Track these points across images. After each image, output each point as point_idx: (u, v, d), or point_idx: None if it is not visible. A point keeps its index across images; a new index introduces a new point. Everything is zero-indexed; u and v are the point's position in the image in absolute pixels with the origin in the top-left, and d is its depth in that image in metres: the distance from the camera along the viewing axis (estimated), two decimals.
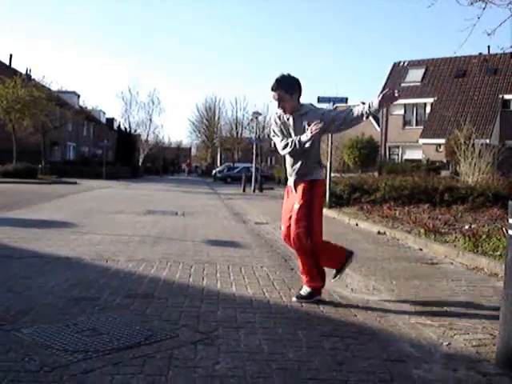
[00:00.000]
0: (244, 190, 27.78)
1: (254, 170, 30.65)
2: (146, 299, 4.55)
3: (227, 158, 76.98)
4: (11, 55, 48.14)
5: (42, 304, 4.27)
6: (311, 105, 4.94)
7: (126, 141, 60.64)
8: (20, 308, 4.12)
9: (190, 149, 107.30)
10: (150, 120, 68.69)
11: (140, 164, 64.67)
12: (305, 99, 4.92)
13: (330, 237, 9.25)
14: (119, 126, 66.94)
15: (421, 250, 8.10)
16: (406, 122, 40.77)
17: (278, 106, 4.73)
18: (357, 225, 11.47)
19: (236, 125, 72.40)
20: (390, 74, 42.19)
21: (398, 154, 41.44)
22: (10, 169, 31.65)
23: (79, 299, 4.46)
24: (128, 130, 64.84)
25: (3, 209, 12.93)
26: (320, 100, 15.56)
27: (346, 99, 16.21)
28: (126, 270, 5.86)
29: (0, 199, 16.22)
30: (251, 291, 5.02)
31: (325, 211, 14.64)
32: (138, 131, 67.44)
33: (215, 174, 53.80)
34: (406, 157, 40.01)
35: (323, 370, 3.07)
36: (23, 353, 3.17)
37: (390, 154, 41.70)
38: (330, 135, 16.14)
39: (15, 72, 39.25)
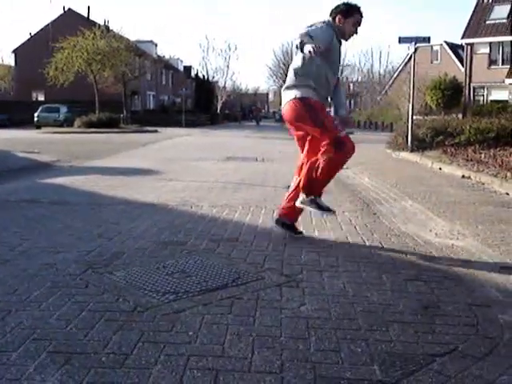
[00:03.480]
0: None
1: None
2: (231, 243, 4.67)
3: None
4: (89, 7, 49.14)
5: (133, 248, 4.47)
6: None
7: (204, 88, 61.05)
8: (112, 252, 4.33)
9: (268, 94, 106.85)
10: (228, 66, 68.50)
11: (218, 111, 65.03)
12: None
13: (412, 181, 9.18)
14: (197, 73, 67.29)
15: (507, 194, 7.84)
16: (491, 62, 38.69)
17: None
18: (440, 169, 11.20)
19: None
20: (473, 11, 39.91)
21: (483, 95, 39.61)
22: (93, 119, 32.77)
23: (167, 243, 4.64)
24: (206, 77, 65.12)
25: (90, 158, 13.46)
26: (401, 40, 14.95)
27: (429, 38, 15.33)
28: (210, 215, 6.02)
29: (86, 148, 16.87)
30: (334, 236, 5.05)
31: (407, 155, 14.43)
32: (216, 78, 67.61)
33: None
34: (491, 98, 38.15)
35: (408, 313, 3.08)
36: (117, 294, 3.34)
37: (474, 95, 39.89)
38: (412, 76, 15.64)
39: (94, 24, 40.05)
